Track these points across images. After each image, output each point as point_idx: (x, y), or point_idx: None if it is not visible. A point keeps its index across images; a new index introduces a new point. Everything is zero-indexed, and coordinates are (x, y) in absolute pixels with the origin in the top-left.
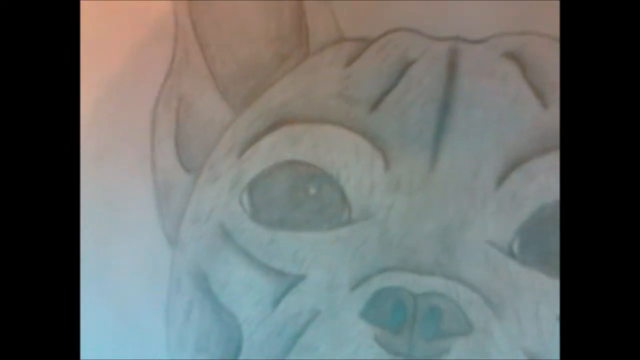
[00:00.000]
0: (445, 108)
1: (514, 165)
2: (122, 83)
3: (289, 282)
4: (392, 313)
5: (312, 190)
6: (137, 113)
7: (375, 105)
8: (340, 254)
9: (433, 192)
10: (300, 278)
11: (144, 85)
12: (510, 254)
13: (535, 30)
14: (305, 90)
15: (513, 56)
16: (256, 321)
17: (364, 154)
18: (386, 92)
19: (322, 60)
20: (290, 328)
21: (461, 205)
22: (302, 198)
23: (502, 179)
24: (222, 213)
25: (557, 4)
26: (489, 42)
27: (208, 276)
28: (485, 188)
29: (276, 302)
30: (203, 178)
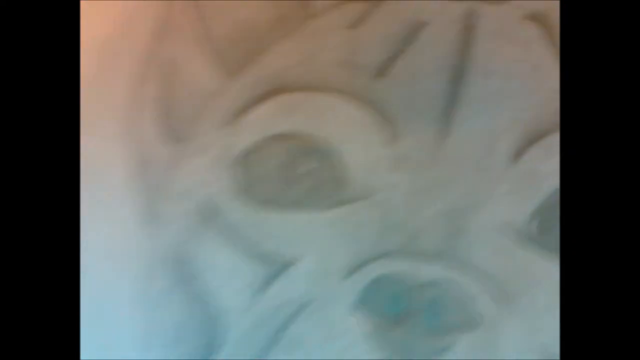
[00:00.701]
0: (458, 77)
1: (532, 140)
2: (107, 45)
3: (277, 268)
4: (390, 304)
5: (308, 166)
6: (119, 77)
7: (382, 72)
8: (335, 237)
9: (442, 170)
10: (290, 264)
11: (129, 47)
12: (526, 239)
13: None
14: (305, 55)
15: (537, 18)
16: (239, 310)
17: (367, 127)
18: (394, 58)
19: (325, 22)
20: (276, 319)
21: (472, 184)
22: (296, 175)
23: (518, 155)
24: (207, 190)
25: None
26: (510, 3)
27: (189, 259)
28: (499, 166)
29: (262, 290)
30: (188, 150)
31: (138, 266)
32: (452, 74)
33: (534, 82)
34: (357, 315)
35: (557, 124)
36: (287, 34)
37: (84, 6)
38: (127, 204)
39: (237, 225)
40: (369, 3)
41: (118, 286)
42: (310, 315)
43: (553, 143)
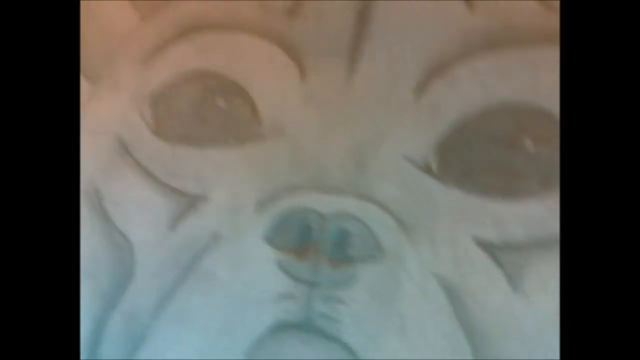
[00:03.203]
0: (364, 15)
1: (434, 73)
2: None
3: (189, 203)
4: (298, 236)
5: (221, 104)
6: None
7: (292, 12)
8: (246, 172)
9: (348, 105)
10: (202, 198)
11: None
12: (428, 171)
13: None
14: None
15: None
16: (151, 244)
17: (277, 65)
18: None
19: None
20: (188, 253)
21: (377, 118)
22: (209, 112)
23: (421, 88)
24: (121, 126)
25: None
26: None
27: (101, 193)
28: (403, 99)
29: (174, 224)
30: (103, 89)
31: None
32: (358, 13)
33: (437, 18)
34: (267, 247)
35: (457, 56)
36: None
37: None
38: None
39: (150, 160)
40: None
41: None
42: (221, 249)
43: (454, 78)
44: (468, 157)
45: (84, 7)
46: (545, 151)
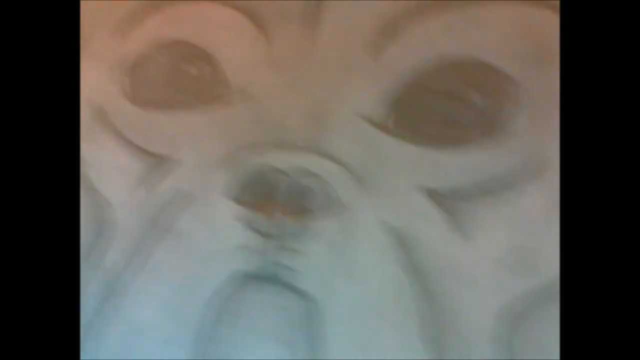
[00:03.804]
0: None
1: (388, 34)
2: None
3: (162, 165)
4: (261, 193)
5: (191, 71)
6: None
7: None
8: (215, 134)
9: (309, 67)
10: (174, 160)
11: None
12: (382, 127)
13: None
14: None
15: None
16: (128, 204)
17: (244, 32)
18: None
19: None
20: (162, 213)
21: (335, 79)
22: (180, 79)
23: (376, 50)
24: (99, 94)
25: None
26: None
27: (82, 159)
28: (359, 61)
29: (149, 185)
30: (81, 58)
31: None
32: None
33: None
34: (232, 204)
35: (410, 19)
36: None
37: None
38: None
39: (127, 127)
40: None
41: None
42: (190, 207)
43: (410, 39)
44: (418, 112)
45: None
46: (488, 102)
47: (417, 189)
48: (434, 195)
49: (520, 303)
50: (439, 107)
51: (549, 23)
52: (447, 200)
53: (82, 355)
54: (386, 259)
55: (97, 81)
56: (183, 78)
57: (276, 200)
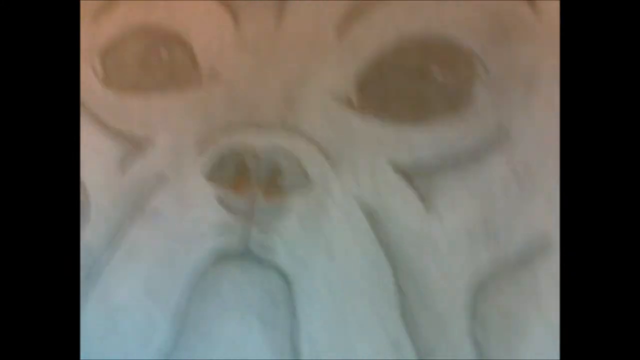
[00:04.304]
0: None
1: (353, 15)
2: None
3: (136, 147)
4: (235, 172)
5: (163, 54)
6: None
7: None
8: (188, 116)
9: (278, 48)
10: (148, 142)
11: None
12: (349, 104)
13: None
14: None
15: None
16: (103, 186)
17: (214, 15)
18: None
19: None
20: (137, 194)
21: (304, 59)
22: (153, 62)
23: (342, 30)
24: None
25: None
26: None
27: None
28: (326, 41)
29: (123, 167)
30: None
31: None
32: None
33: None
34: (207, 184)
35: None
36: None
37: None
38: None
39: (101, 109)
40: None
41: None
42: (167, 189)
43: (375, 19)
44: (385, 90)
45: None
46: (452, 78)
47: (386, 164)
48: (402, 170)
49: (490, 274)
50: (405, 84)
51: None
52: (415, 175)
53: None
54: (358, 233)
55: None
56: (155, 61)
57: (249, 179)
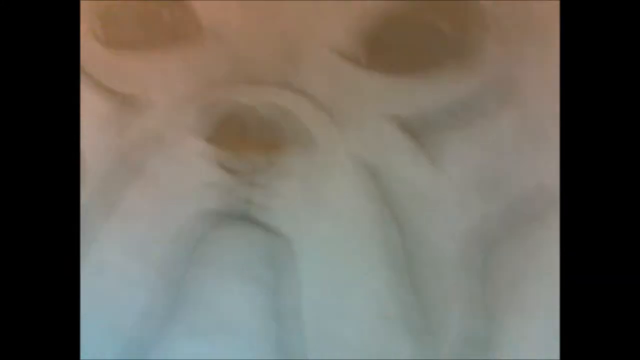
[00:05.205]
0: None
1: None
2: None
3: (135, 108)
4: (235, 132)
5: (165, 14)
6: None
7: None
8: (187, 75)
9: (281, 6)
10: (147, 102)
11: None
12: (355, 61)
13: None
14: None
15: None
16: (101, 149)
17: None
18: None
19: None
20: (134, 155)
21: (307, 15)
22: (154, 22)
23: None
24: None
25: None
26: None
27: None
28: None
29: (122, 129)
30: None
31: None
32: None
33: None
34: (206, 145)
35: None
36: None
37: None
38: None
39: (99, 70)
40: None
41: None
42: (165, 151)
43: None
44: (390, 45)
45: None
46: (458, 30)
47: (388, 119)
48: (404, 124)
49: (490, 227)
50: (409, 37)
51: None
52: (418, 129)
53: None
54: (357, 192)
55: None
56: (154, 19)
57: (247, 137)
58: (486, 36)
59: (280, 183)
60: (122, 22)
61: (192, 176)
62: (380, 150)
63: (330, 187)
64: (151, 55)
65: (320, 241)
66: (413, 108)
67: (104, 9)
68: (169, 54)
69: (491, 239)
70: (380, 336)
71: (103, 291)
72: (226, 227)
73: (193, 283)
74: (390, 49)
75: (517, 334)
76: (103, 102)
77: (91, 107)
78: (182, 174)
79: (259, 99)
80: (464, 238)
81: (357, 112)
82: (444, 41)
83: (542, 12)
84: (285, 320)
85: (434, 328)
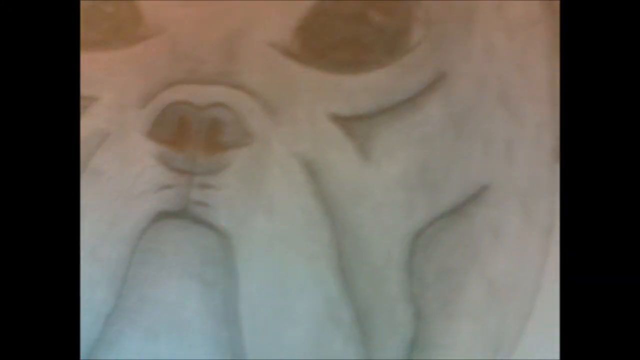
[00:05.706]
0: None
1: None
2: None
3: (82, 105)
4: (176, 129)
5: (108, 9)
6: None
7: None
8: (131, 72)
9: (222, 2)
10: (93, 100)
11: None
12: (289, 54)
13: None
14: None
15: None
16: None
17: None
18: None
19: None
20: (81, 153)
21: (246, 9)
22: (97, 18)
23: None
24: None
25: None
26: None
27: None
28: None
29: None
30: None
31: None
32: None
33: None
34: (149, 143)
35: None
36: None
37: None
38: None
39: None
40: None
41: None
42: (109, 147)
43: None
44: (324, 38)
45: None
46: (389, 23)
47: (325, 115)
48: (340, 119)
49: (428, 226)
50: (344, 32)
51: None
52: (353, 124)
53: None
54: (297, 188)
55: None
56: (99, 16)
57: (189, 135)
58: (415, 27)
59: (220, 179)
60: None
61: (134, 172)
62: (319, 146)
63: (268, 182)
64: (96, 53)
65: (257, 236)
66: (346, 101)
67: None
68: (114, 51)
69: (421, 234)
70: (318, 333)
71: None
72: (167, 223)
73: (134, 278)
74: (325, 42)
75: (461, 335)
76: None
77: None
78: (125, 170)
79: (199, 95)
80: (394, 234)
81: (295, 107)
82: (376, 33)
83: (474, 4)
84: (221, 316)
85: (377, 330)
